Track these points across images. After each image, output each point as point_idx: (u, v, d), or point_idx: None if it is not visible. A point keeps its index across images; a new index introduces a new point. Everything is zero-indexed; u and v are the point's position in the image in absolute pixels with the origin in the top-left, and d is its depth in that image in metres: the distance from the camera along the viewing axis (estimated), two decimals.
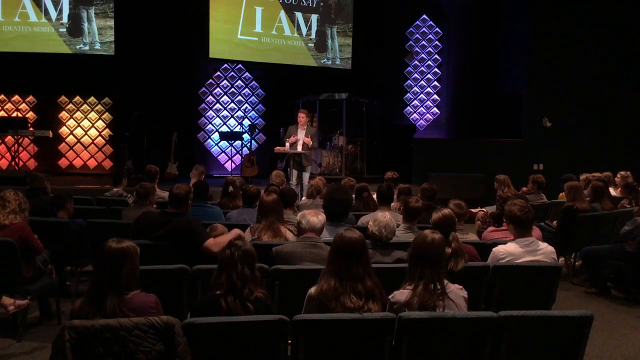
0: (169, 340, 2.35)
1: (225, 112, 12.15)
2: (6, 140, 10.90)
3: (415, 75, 13.32)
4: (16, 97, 11.28)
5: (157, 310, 2.53)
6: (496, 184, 6.68)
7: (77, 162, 11.53)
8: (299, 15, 12.23)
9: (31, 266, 4.17)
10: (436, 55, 13.33)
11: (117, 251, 2.51)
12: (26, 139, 10.97)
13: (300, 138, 8.40)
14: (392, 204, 5.41)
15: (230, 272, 2.59)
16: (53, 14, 10.94)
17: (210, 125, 12.08)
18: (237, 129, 12.11)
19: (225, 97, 12.15)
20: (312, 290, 2.75)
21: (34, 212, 4.83)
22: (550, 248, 3.82)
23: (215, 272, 2.68)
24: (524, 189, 7.35)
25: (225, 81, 12.15)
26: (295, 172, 8.39)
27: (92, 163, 11.56)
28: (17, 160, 10.46)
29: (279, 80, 12.13)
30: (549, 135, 11.01)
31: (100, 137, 11.58)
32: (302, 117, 8.62)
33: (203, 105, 12.01)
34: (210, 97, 12.07)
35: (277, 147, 8.67)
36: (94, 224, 4.90)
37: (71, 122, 11.50)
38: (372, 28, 12.56)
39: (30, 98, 11.33)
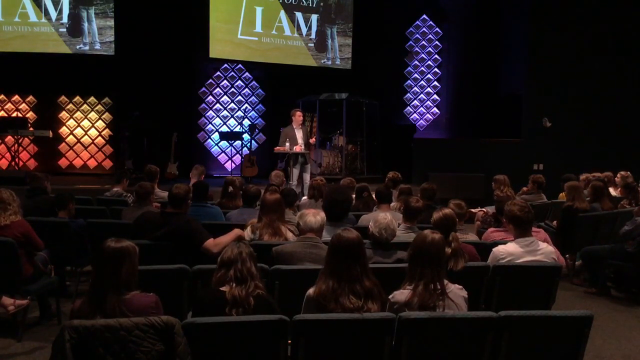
0: (169, 340, 2.35)
1: (225, 112, 12.15)
2: (6, 140, 10.91)
3: (415, 75, 13.32)
4: (16, 97, 11.29)
5: (157, 310, 2.54)
6: (494, 184, 6.66)
7: (77, 162, 11.53)
8: (299, 15, 12.23)
9: (31, 263, 4.17)
10: (436, 55, 13.33)
11: (116, 251, 2.51)
12: (26, 139, 10.97)
13: (300, 141, 8.41)
14: (392, 204, 5.41)
15: (240, 267, 2.67)
16: (53, 14, 10.95)
17: (210, 125, 12.08)
18: (237, 129, 12.12)
19: (225, 97, 12.15)
20: (311, 291, 2.75)
21: (34, 212, 4.84)
22: (551, 248, 3.82)
23: (218, 271, 2.71)
24: (524, 189, 7.34)
25: (225, 81, 12.16)
26: (295, 172, 8.39)
27: (92, 163, 11.57)
28: (17, 160, 10.46)
29: (279, 80, 12.14)
30: (549, 135, 11.01)
31: (100, 137, 11.58)
32: (300, 115, 8.62)
33: (203, 105, 12.01)
34: (210, 97, 12.07)
35: (277, 147, 8.68)
36: (94, 224, 4.90)
37: (71, 122, 11.51)
38: (372, 28, 12.56)
39: (30, 98, 11.33)
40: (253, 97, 12.32)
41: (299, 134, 8.49)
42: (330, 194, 4.43)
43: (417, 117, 13.36)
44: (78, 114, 11.54)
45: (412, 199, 4.37)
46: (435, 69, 13.37)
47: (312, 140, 9.09)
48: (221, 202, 5.63)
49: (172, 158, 10.87)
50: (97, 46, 11.14)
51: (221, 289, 2.65)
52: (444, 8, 13.12)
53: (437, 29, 13.27)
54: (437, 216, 3.68)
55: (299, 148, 8.33)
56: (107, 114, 11.59)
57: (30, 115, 11.29)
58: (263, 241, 3.94)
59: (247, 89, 12.28)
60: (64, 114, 11.50)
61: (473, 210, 6.40)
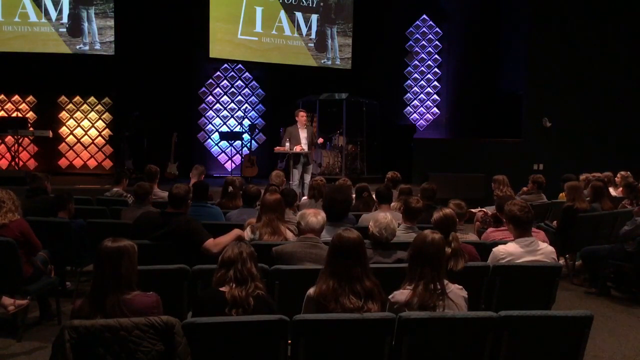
0: (168, 340, 2.35)
1: (225, 112, 12.15)
2: (6, 140, 10.91)
3: (415, 75, 13.31)
4: (16, 97, 11.29)
5: (157, 310, 2.53)
6: (494, 184, 6.66)
7: (77, 162, 11.53)
8: (299, 15, 12.23)
9: (31, 263, 4.17)
10: (436, 55, 13.33)
11: (113, 250, 2.51)
12: (26, 139, 10.97)
13: (304, 141, 8.41)
14: (393, 204, 5.41)
15: (240, 268, 2.66)
16: (53, 14, 10.95)
17: (210, 125, 12.08)
18: (237, 129, 12.12)
19: (225, 97, 12.15)
20: (311, 291, 2.75)
21: (34, 212, 4.84)
22: (550, 248, 3.82)
23: (218, 271, 2.70)
24: (524, 189, 7.34)
25: (225, 81, 12.16)
26: (296, 172, 8.39)
27: (92, 163, 11.57)
28: (17, 160, 10.47)
29: (279, 80, 12.14)
30: (549, 135, 11.00)
31: (100, 137, 11.58)
32: (303, 115, 8.64)
33: (203, 105, 12.01)
34: (210, 97, 12.07)
35: (277, 147, 8.68)
36: (94, 224, 4.90)
37: (71, 122, 11.51)
38: (372, 28, 12.56)
39: (30, 98, 11.33)
40: (253, 97, 12.32)
41: (303, 134, 8.50)
42: (330, 194, 4.43)
43: (417, 117, 13.35)
44: (78, 114, 11.54)
45: (412, 199, 4.37)
46: (435, 69, 13.36)
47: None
48: (221, 202, 5.63)
49: (172, 158, 10.87)
50: (97, 46, 11.14)
51: (221, 289, 2.65)
52: (444, 8, 13.12)
53: (437, 29, 13.26)
54: (437, 216, 3.68)
55: (300, 148, 8.33)
56: (107, 114, 11.59)
57: (30, 115, 11.29)
58: (263, 241, 3.94)
59: (247, 89, 12.28)
60: (64, 114, 11.50)
61: (473, 210, 6.40)
